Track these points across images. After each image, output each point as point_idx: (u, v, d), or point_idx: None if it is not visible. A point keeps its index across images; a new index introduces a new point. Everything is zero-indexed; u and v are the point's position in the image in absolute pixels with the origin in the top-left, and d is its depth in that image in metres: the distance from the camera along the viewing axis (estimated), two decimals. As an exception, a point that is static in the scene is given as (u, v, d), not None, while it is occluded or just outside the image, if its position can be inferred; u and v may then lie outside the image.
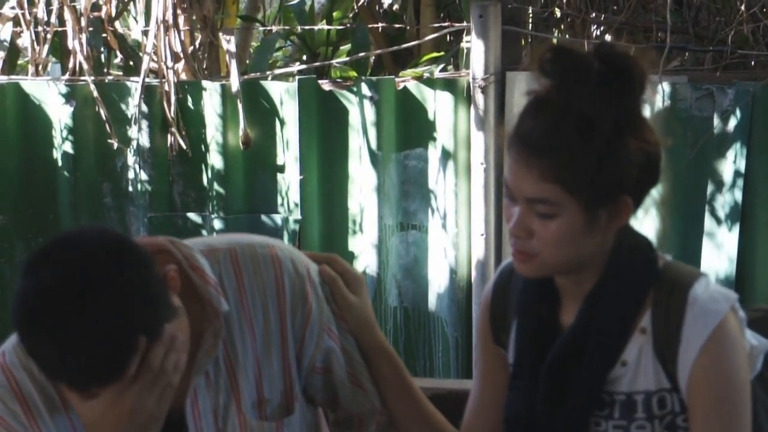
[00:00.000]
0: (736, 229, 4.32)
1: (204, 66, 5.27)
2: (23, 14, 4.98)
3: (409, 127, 4.75)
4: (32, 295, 1.70)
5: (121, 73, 5.43)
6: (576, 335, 1.90)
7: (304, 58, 5.96)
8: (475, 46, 4.56)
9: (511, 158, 1.85)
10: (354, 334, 2.08)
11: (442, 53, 5.30)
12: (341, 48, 6.04)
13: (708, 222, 4.37)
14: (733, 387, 1.85)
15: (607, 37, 5.37)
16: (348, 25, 5.76)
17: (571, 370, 1.89)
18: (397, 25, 5.63)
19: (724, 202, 4.33)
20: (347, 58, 5.45)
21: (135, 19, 6.24)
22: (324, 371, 2.04)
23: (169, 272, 1.82)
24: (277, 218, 4.81)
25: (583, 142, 1.79)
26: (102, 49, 5.26)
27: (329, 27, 5.77)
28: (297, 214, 4.77)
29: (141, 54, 4.98)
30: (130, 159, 4.82)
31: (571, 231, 1.83)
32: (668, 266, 1.92)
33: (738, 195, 4.30)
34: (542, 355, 1.92)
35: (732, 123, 4.27)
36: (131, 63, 5.40)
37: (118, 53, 5.44)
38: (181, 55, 4.92)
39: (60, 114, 4.82)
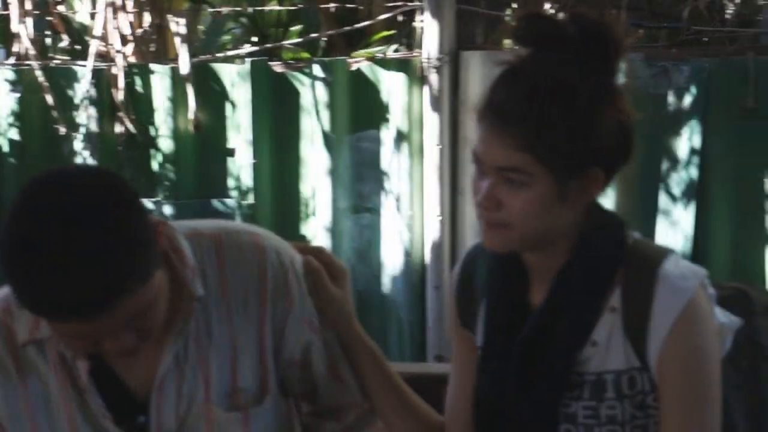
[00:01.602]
0: (692, 206, 4.32)
1: (152, 49, 5.19)
2: (-35, -2, 4.89)
3: (362, 109, 4.71)
4: (19, 220, 1.65)
5: (67, 57, 5.34)
6: (545, 315, 1.87)
7: (255, 39, 5.90)
8: (428, 25, 4.52)
9: (481, 129, 1.80)
10: (335, 327, 2.05)
11: (393, 31, 5.26)
12: (292, 29, 5.99)
13: (663, 200, 4.37)
14: (704, 365, 1.82)
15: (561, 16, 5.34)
16: (299, 5, 5.70)
17: (541, 351, 1.86)
18: (348, 5, 5.57)
19: (679, 180, 4.33)
20: (299, 40, 5.39)
21: (80, 0, 6.15)
22: (303, 363, 2.01)
23: (159, 224, 1.80)
24: (229, 203, 4.75)
25: (558, 110, 1.75)
26: (47, 33, 5.17)
27: (280, 8, 5.71)
28: (249, 199, 4.71)
29: (87, 38, 4.89)
30: (78, 145, 4.74)
31: (540, 202, 1.79)
32: (637, 244, 1.89)
33: (693, 172, 4.31)
34: (512, 337, 1.88)
35: (687, 100, 4.27)
36: (77, 46, 5.32)
37: (63, 36, 5.35)
38: (130, 38, 4.85)
39: (5, 100, 4.73)
